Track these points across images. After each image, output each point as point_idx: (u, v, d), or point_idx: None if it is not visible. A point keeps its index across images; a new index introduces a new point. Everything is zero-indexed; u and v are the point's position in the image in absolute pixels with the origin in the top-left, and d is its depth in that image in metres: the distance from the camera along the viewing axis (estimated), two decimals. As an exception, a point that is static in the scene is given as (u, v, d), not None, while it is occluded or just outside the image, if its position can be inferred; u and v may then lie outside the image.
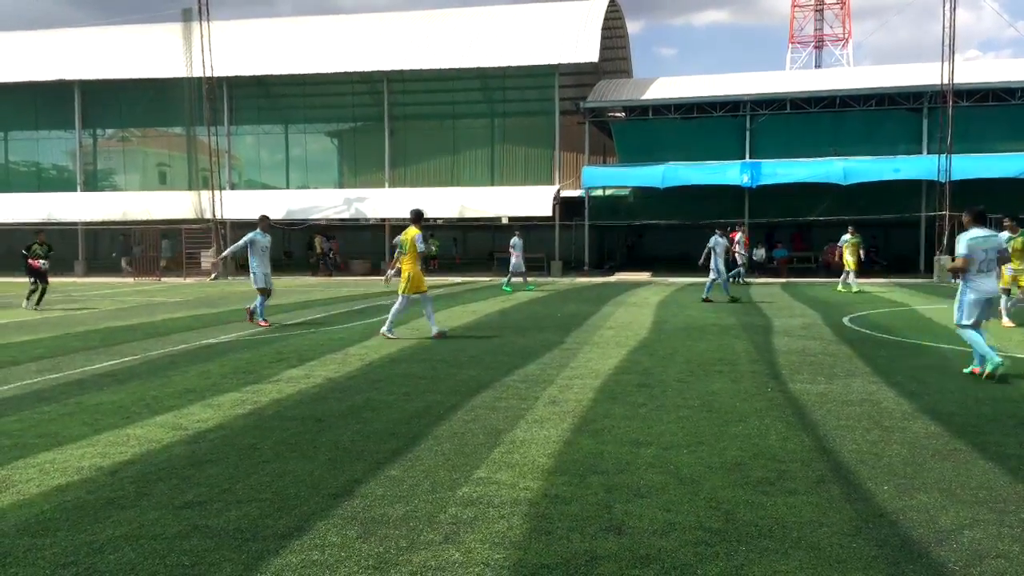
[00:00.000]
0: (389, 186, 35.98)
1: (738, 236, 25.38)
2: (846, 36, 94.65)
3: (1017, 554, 3.82)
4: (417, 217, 12.49)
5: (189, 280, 31.21)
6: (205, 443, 6.00)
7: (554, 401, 7.39)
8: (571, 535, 4.09)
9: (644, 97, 33.91)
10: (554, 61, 32.85)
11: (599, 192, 34.49)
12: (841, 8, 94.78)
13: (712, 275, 18.45)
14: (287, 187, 39.60)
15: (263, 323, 13.92)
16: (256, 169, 41.16)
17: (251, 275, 14.23)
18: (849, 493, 4.75)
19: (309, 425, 6.54)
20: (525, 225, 34.10)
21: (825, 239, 31.22)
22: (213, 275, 31.74)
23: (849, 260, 21.12)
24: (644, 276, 29.74)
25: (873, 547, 3.93)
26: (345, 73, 34.94)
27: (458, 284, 26.81)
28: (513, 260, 23.12)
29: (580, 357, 10.09)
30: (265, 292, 14.12)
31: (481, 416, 6.80)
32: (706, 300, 17.96)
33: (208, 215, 33.40)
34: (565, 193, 33.58)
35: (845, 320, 14.19)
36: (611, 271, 32.64)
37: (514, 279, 23.21)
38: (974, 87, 29.28)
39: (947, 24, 26.96)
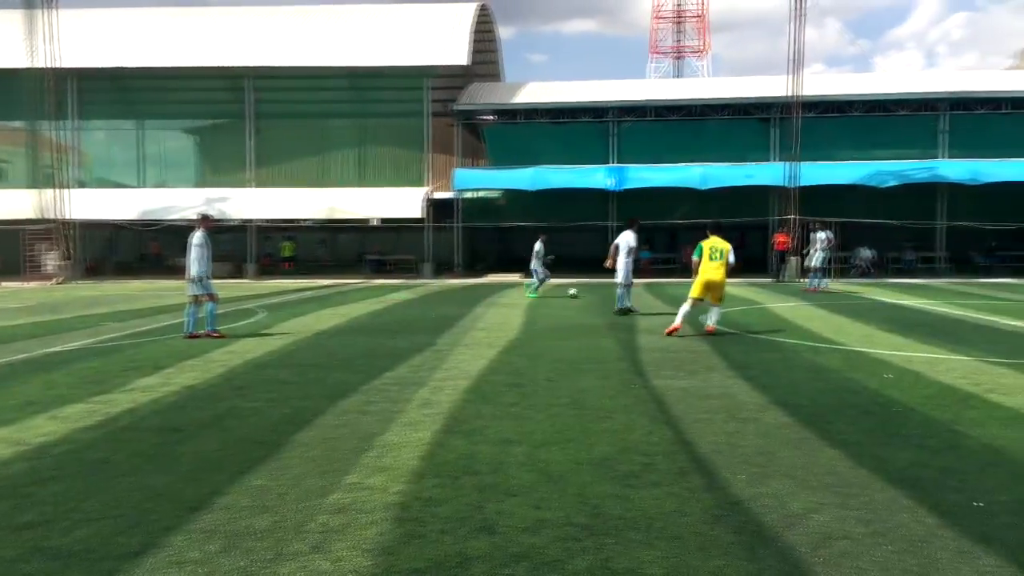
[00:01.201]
0: (255, 186, 34.74)
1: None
2: (704, 48, 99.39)
3: (860, 535, 4.10)
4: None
5: (31, 284, 28.98)
6: (49, 458, 5.58)
7: (426, 403, 7.35)
8: (443, 537, 4.07)
9: (515, 101, 34.34)
10: (425, 63, 32.69)
11: (470, 194, 34.63)
12: (699, 22, 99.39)
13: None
14: (143, 186, 37.48)
15: (215, 334, 12.77)
16: (108, 167, 38.67)
17: (196, 282, 12.83)
18: (708, 483, 4.97)
19: (166, 436, 6.21)
20: (397, 227, 33.87)
21: (687, 241, 32.59)
22: (58, 278, 29.62)
23: None
24: (515, 277, 30.10)
25: (731, 534, 4.13)
26: (206, 68, 33.42)
27: (327, 287, 26.23)
28: (534, 264, 21.77)
29: (452, 359, 10.08)
30: (213, 299, 12.93)
31: (351, 420, 6.67)
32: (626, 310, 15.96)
33: (51, 214, 31.12)
34: (436, 195, 33.51)
35: (703, 318, 14.84)
36: (483, 272, 32.85)
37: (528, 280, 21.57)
38: (819, 99, 31.37)
39: (794, 40, 28.80)
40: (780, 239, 27.91)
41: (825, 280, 22.62)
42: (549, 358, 10.11)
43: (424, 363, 9.75)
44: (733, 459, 5.48)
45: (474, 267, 35.09)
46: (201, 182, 37.26)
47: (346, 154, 36.70)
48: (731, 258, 12.57)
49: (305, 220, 35.41)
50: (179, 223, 31.25)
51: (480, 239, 38.14)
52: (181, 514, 4.42)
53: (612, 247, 15.99)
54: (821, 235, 22.53)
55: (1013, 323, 13.76)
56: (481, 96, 35.16)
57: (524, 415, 6.86)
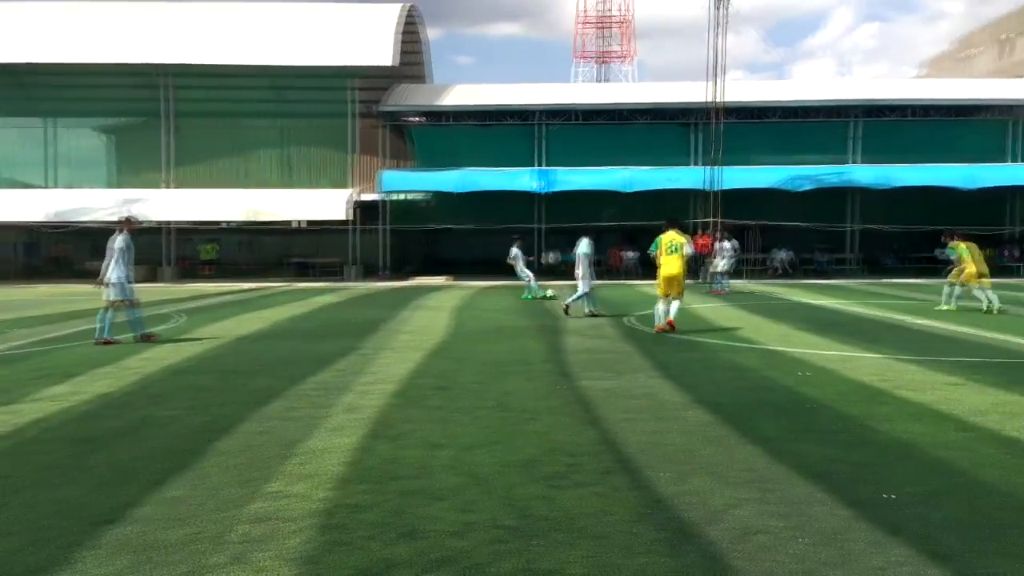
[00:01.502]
0: (173, 187, 33.70)
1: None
2: (628, 53, 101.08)
3: (778, 529, 4.22)
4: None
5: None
6: (-53, 474, 5.27)
7: (351, 408, 7.23)
8: (368, 544, 4.01)
9: (442, 103, 34.24)
10: (350, 64, 32.30)
11: (397, 196, 34.36)
12: (623, 27, 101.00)
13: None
14: (52, 186, 35.91)
15: (150, 337, 12.36)
16: (14, 166, 36.89)
17: (117, 287, 12.09)
18: (632, 482, 5.04)
19: (77, 447, 5.94)
20: (322, 230, 33.34)
21: (612, 244, 33.04)
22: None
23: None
24: (442, 280, 30.01)
25: (654, 531, 4.19)
26: (119, 64, 32.23)
27: (249, 290, 25.62)
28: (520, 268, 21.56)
29: (378, 363, 9.97)
30: (136, 304, 12.43)
31: (274, 427, 6.51)
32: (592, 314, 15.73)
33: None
34: (362, 197, 33.12)
35: (628, 319, 15.09)
36: (410, 275, 32.62)
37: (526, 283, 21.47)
38: (738, 105, 32.25)
39: (714, 48, 29.54)
40: (701, 242, 28.57)
41: (728, 282, 23.37)
42: (476, 361, 10.10)
43: (349, 367, 9.60)
44: (657, 458, 5.57)
45: (401, 270, 34.81)
46: (115, 182, 35.96)
47: (269, 154, 35.99)
48: (687, 250, 13.01)
49: (226, 222, 34.52)
50: (91, 225, 30.08)
51: (407, 241, 37.87)
52: (90, 528, 4.23)
53: (578, 257, 16.12)
54: (727, 244, 23.38)
55: (920, 322, 14.40)
56: (407, 97, 34.95)
57: (451, 418, 6.83)
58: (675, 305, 13.01)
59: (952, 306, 16.30)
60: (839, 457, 5.55)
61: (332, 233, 33.08)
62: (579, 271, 15.90)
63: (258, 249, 40.26)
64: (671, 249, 12.94)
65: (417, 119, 35.53)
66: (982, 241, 32.20)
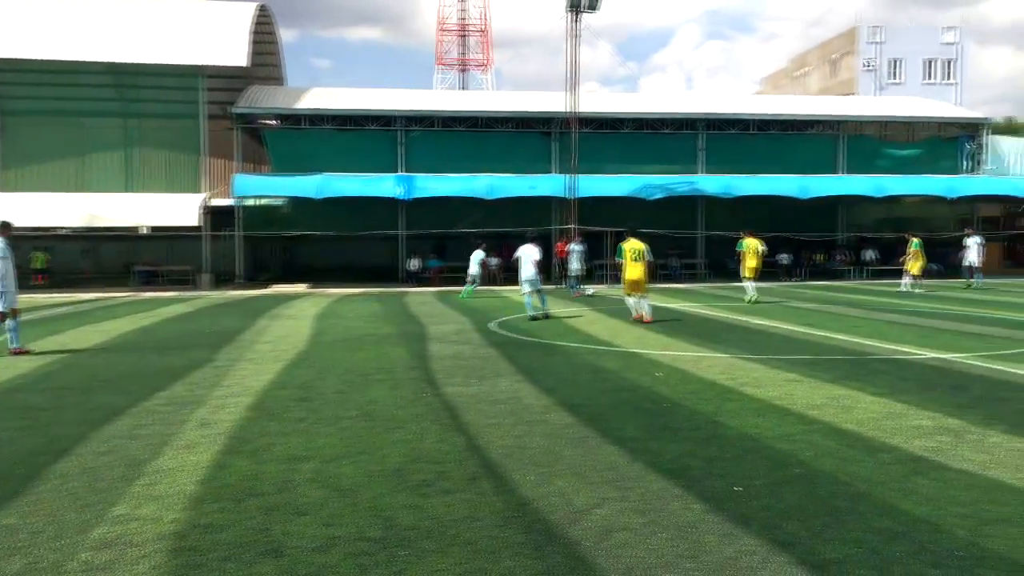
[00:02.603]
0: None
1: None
2: (488, 62, 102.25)
3: (638, 525, 4.37)
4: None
5: None
6: None
7: (205, 423, 6.90)
8: (225, 565, 3.84)
9: (298, 106, 33.32)
10: (200, 62, 30.87)
11: (252, 201, 33.11)
12: (482, 36, 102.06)
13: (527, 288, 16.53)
14: None
15: (21, 350, 11.30)
16: None
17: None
18: (498, 486, 5.08)
19: None
20: (171, 236, 31.63)
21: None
22: None
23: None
24: (302, 288, 29.18)
25: (520, 534, 4.24)
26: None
27: (89, 301, 23.95)
28: (473, 270, 21.49)
29: (233, 374, 9.56)
30: (14, 313, 11.23)
31: (118, 447, 6.12)
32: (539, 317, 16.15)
33: None
34: (215, 202, 31.67)
35: (492, 325, 15.23)
36: (267, 283, 31.51)
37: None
38: (594, 116, 33.27)
39: (570, 60, 30.33)
40: (561, 247, 29.26)
41: (580, 286, 24.34)
42: (338, 370, 9.89)
43: (202, 380, 9.16)
44: (522, 461, 5.64)
45: (257, 278, 33.57)
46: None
47: (112, 156, 33.78)
48: (648, 256, 15.03)
49: (61, 228, 32.09)
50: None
51: (263, 249, 36.60)
52: (-94, 567, 3.83)
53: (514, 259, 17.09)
54: (576, 247, 24.41)
55: (761, 322, 15.34)
56: (262, 99, 33.80)
57: (313, 430, 6.65)
58: (645, 303, 15.22)
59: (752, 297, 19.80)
60: (693, 453, 5.82)
61: (183, 240, 31.45)
62: (523, 276, 16.40)
63: (101, 257, 37.72)
64: (635, 256, 14.90)
65: (273, 122, 34.41)
66: (816, 246, 34.76)
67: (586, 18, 29.76)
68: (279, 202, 34.42)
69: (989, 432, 6.34)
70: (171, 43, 30.96)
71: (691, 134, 34.95)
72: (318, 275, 33.39)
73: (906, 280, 24.21)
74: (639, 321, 14.95)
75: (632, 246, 14.94)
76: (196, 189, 32.59)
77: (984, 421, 6.71)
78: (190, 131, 32.72)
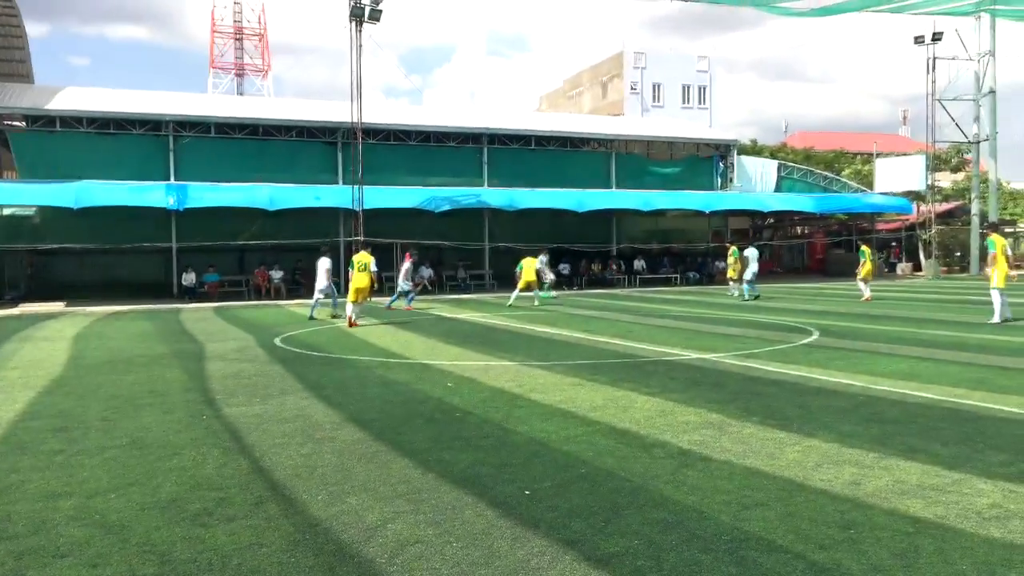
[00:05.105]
0: None
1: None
2: (266, 68, 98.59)
3: (431, 537, 4.37)
4: None
5: None
6: None
7: (-62, 464, 6.03)
8: (-34, 624, 3.37)
9: (51, 107, 30.20)
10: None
11: (-5, 211, 29.54)
12: (260, 40, 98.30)
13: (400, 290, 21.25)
14: None
15: None
16: None
17: None
18: (287, 509, 4.88)
19: None
20: None
21: (257, 264, 31.78)
22: None
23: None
24: (57, 306, 26.39)
25: (311, 556, 4.10)
26: None
27: None
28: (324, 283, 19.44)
29: (-26, 406, 8.45)
30: None
31: None
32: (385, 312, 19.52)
33: None
34: (-52, 211, 27.95)
35: (277, 341, 14.64)
36: (14, 302, 28.16)
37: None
38: (379, 127, 33.09)
39: (354, 69, 29.97)
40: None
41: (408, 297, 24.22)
42: (103, 395, 9.05)
43: (-66, 415, 8.01)
44: (311, 481, 5.46)
45: (2, 297, 29.92)
46: None
47: None
48: (373, 267, 17.20)
49: None
50: None
51: (10, 264, 32.65)
52: None
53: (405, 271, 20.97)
54: (406, 264, 24.07)
55: (545, 330, 15.99)
56: (6, 98, 30.30)
57: (73, 463, 6.03)
58: (357, 308, 17.18)
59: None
60: (484, 460, 5.93)
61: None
62: (400, 282, 19.79)
63: None
64: (361, 267, 17.14)
65: (19, 123, 30.92)
66: (592, 257, 36.77)
67: (369, 29, 29.53)
68: (29, 212, 31.02)
69: (745, 424, 7.02)
70: None
71: (476, 148, 35.79)
72: (78, 292, 30.31)
73: (733, 287, 26.28)
74: (353, 326, 16.63)
75: (360, 259, 17.36)
76: (-77, 196, 28.57)
77: (741, 414, 7.42)
78: (-85, 130, 28.68)
